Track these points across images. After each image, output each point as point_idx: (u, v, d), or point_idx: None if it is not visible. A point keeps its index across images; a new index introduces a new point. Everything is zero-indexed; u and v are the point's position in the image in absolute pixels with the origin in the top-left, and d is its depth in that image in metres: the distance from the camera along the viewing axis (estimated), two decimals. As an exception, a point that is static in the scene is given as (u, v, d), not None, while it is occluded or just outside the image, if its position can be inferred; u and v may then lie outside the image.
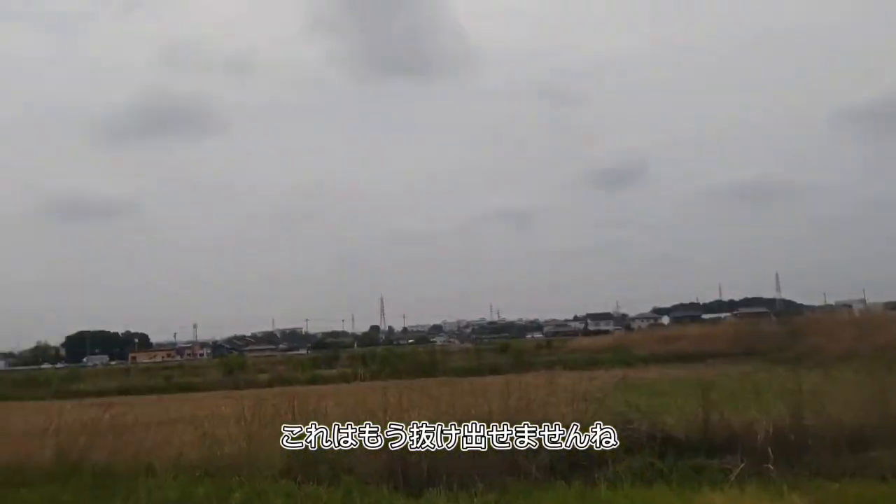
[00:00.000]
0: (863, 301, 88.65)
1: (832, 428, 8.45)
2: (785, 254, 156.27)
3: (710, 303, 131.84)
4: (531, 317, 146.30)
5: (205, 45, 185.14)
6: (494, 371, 30.37)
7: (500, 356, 50.34)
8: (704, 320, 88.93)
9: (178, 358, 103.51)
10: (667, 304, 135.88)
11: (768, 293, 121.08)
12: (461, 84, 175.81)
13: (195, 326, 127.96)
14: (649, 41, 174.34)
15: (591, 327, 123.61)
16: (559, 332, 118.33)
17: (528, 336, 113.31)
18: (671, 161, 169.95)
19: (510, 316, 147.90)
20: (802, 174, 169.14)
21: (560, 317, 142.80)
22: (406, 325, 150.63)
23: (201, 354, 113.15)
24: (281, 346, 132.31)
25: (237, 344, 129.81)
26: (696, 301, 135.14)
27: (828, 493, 7.38)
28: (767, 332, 41.59)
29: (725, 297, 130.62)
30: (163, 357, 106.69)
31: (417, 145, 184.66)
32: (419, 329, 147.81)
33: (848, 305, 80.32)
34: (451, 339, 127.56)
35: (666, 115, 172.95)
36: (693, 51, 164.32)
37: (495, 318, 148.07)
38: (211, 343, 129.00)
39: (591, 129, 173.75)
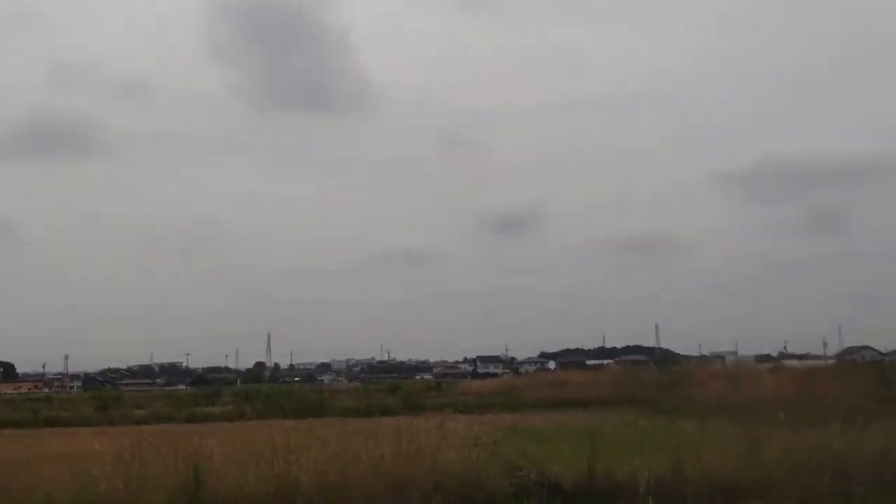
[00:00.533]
0: (735, 353, 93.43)
1: (708, 479, 8.85)
2: (665, 305, 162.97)
3: (594, 349, 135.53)
4: (421, 357, 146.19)
5: (96, 67, 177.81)
6: (385, 412, 30.13)
7: (389, 397, 49.93)
8: (588, 366, 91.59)
9: (46, 390, 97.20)
10: (553, 349, 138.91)
11: (648, 342, 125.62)
12: (362, 124, 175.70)
13: (66, 357, 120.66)
14: (548, 94, 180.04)
15: (481, 370, 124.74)
16: (448, 374, 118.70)
17: (418, 377, 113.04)
18: (563, 211, 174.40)
19: (400, 356, 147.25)
20: (685, 230, 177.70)
21: (450, 358, 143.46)
22: (293, 362, 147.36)
23: (71, 387, 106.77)
24: (158, 380, 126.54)
25: (111, 377, 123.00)
26: (580, 347, 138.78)
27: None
28: (647, 380, 43.20)
29: (608, 345, 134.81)
30: (29, 388, 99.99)
31: (315, 182, 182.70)
32: (307, 367, 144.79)
33: (721, 357, 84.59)
34: (339, 378, 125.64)
35: (560, 166, 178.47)
36: (588, 106, 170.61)
37: (385, 358, 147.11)
38: (82, 375, 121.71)
39: (488, 175, 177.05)
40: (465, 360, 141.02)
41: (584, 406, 33.75)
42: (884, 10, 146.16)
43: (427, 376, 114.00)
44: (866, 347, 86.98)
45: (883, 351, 79.58)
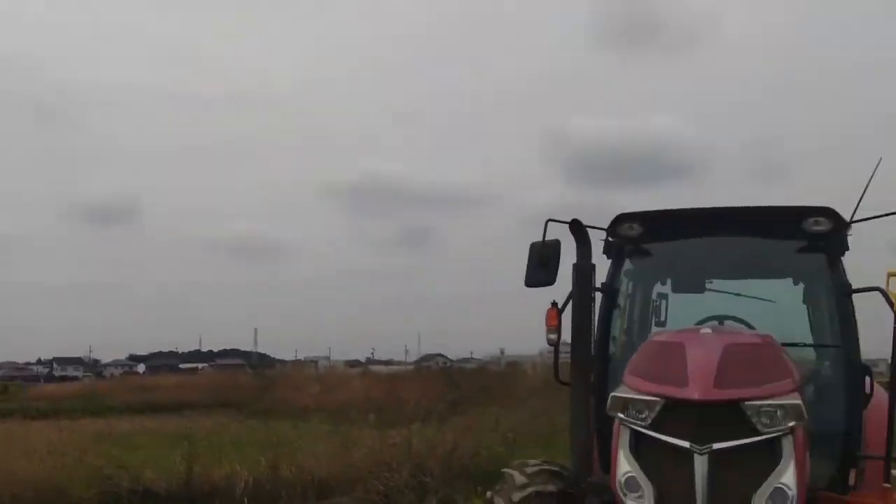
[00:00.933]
0: (328, 358, 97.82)
1: (303, 477, 9.29)
2: (264, 309, 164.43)
3: (190, 352, 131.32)
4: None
5: None
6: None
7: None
8: (182, 370, 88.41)
9: None
10: (144, 352, 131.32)
11: (247, 346, 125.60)
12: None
13: None
14: (157, 80, 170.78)
15: (58, 372, 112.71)
16: (17, 376, 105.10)
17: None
18: (164, 206, 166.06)
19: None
20: (287, 237, 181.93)
21: (20, 359, 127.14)
22: None
23: None
24: None
25: None
26: (175, 350, 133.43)
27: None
28: (243, 383, 43.20)
29: (205, 348, 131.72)
30: None
31: None
32: None
33: (315, 361, 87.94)
34: None
35: (165, 159, 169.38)
36: (196, 100, 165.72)
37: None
38: None
39: (83, 159, 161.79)
40: (40, 362, 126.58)
41: (176, 410, 32.67)
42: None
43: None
44: (439, 355, 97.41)
45: (453, 358, 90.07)
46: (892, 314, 4.58)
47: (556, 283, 5.56)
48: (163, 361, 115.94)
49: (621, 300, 6.04)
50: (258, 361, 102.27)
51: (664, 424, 3.88)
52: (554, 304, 5.51)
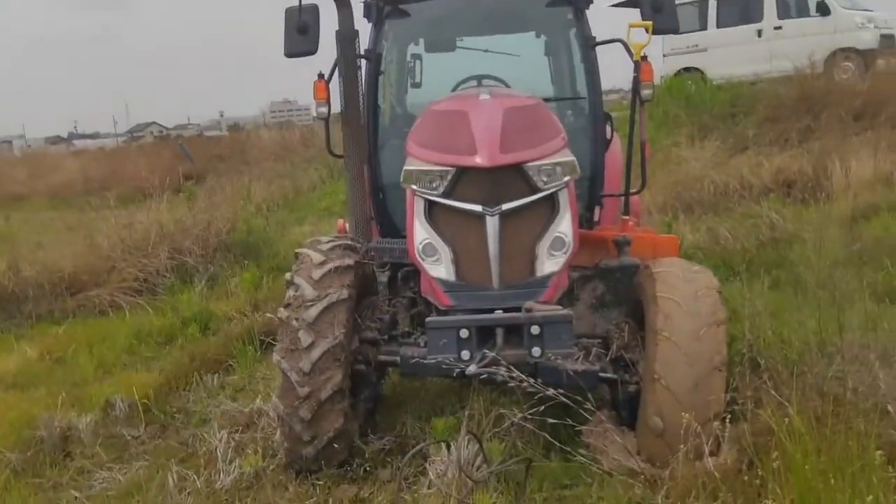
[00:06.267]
0: (23, 137, 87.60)
1: (50, 275, 8.65)
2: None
3: None
4: None
5: None
6: None
7: None
8: None
9: None
10: None
11: None
12: None
13: None
14: None
15: None
16: None
17: None
18: None
19: None
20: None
21: None
22: None
23: None
24: None
25: None
26: None
27: (56, 336, 7.68)
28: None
29: None
30: None
31: None
32: None
33: (8, 142, 78.31)
34: None
35: None
36: None
37: None
38: None
39: None
40: None
41: None
42: None
43: None
44: (154, 123, 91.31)
45: (169, 126, 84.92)
46: (631, 64, 5.11)
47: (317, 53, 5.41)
48: None
49: (384, 66, 6.02)
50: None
51: (455, 191, 4.11)
52: (321, 75, 5.39)
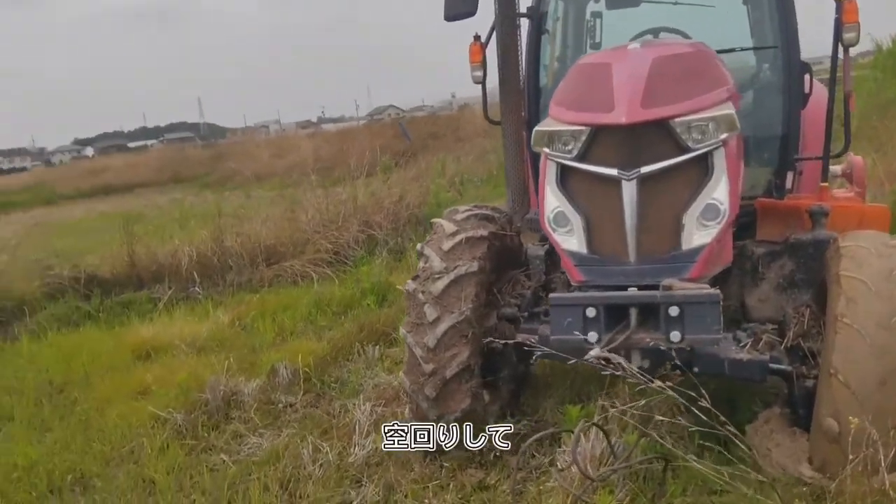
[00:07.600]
0: (278, 122, 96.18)
1: (250, 246, 9.22)
2: (204, 76, 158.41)
3: (135, 130, 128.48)
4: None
5: None
6: None
7: None
8: (131, 149, 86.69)
9: None
10: (90, 135, 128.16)
11: (192, 117, 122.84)
12: None
13: None
14: None
15: (5, 165, 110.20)
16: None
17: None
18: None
19: None
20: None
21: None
22: None
23: None
24: None
25: None
26: (120, 130, 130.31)
27: (249, 304, 8.12)
28: (193, 157, 42.40)
29: (150, 124, 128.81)
30: None
31: None
32: None
33: (266, 126, 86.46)
34: None
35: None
36: None
37: None
38: None
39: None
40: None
41: (129, 191, 32.36)
42: None
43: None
44: (391, 106, 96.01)
45: (405, 108, 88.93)
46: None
47: (476, 14, 5.09)
48: (110, 142, 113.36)
49: (550, 24, 5.56)
50: (207, 132, 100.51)
51: (591, 154, 3.61)
52: (476, 37, 5.07)
